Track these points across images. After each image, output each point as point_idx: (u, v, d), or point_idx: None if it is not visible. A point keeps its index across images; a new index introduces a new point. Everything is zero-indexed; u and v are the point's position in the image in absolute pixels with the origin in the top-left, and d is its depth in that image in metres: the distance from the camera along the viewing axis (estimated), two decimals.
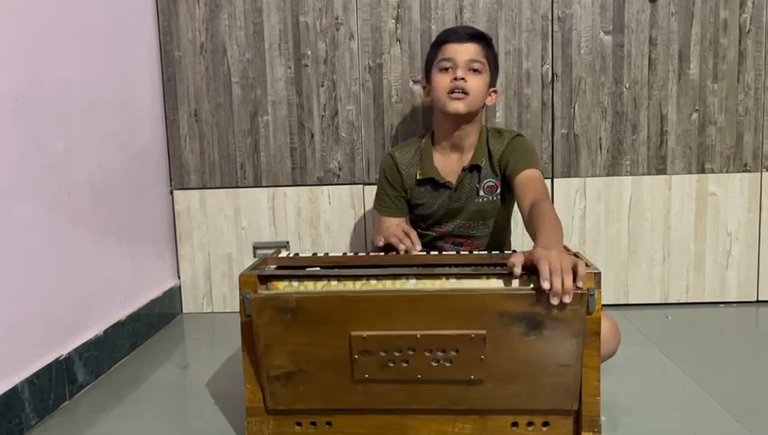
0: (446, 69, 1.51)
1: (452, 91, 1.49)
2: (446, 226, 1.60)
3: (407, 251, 1.35)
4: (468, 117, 1.52)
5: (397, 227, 1.44)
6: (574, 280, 1.02)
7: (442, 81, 1.51)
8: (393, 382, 1.09)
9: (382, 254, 1.39)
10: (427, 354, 1.07)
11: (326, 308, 1.07)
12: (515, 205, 1.53)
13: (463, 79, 1.49)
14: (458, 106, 1.49)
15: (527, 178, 1.45)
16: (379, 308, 1.06)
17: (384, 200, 1.63)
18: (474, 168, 1.55)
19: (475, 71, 1.51)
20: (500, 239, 1.63)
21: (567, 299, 1.01)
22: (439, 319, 1.06)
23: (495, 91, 1.60)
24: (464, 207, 1.57)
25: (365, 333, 1.07)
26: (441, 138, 1.59)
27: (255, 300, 1.08)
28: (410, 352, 1.07)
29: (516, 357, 1.06)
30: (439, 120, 1.59)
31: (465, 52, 1.51)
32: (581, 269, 1.03)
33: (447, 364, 1.07)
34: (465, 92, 1.49)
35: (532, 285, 1.05)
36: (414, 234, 1.41)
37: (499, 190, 1.56)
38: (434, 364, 1.07)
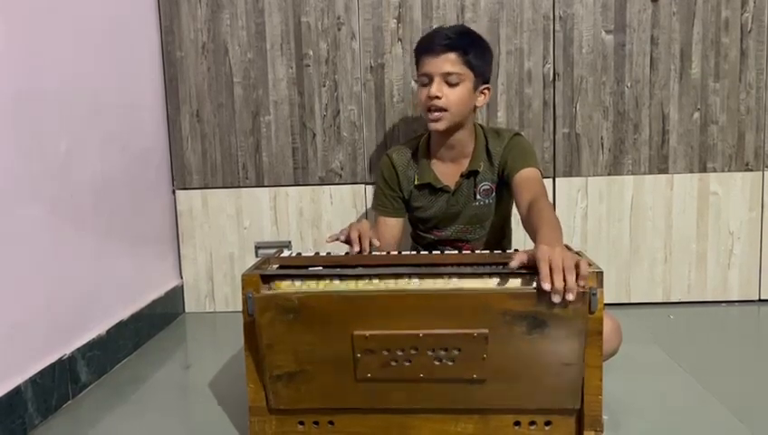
0: (425, 84, 1.46)
1: (429, 110, 1.46)
2: (445, 230, 1.59)
3: (360, 251, 1.30)
4: (455, 127, 1.49)
5: (363, 226, 1.35)
6: (576, 278, 1.01)
7: (421, 96, 1.47)
8: (395, 381, 1.10)
9: (384, 253, 1.38)
10: (430, 353, 1.07)
11: (328, 308, 1.08)
12: (513, 205, 1.52)
13: (437, 97, 1.43)
14: (437, 126, 1.46)
15: (525, 177, 1.44)
16: (382, 307, 1.06)
17: (381, 200, 1.62)
18: (471, 173, 1.54)
19: (452, 83, 1.44)
20: (497, 240, 1.62)
21: (570, 296, 1.00)
22: (442, 318, 1.06)
23: (488, 89, 1.53)
24: (462, 211, 1.56)
25: (367, 333, 1.07)
26: (436, 145, 1.57)
27: (258, 299, 1.09)
28: (413, 352, 1.07)
29: (519, 356, 1.06)
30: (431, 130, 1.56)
31: (439, 65, 1.43)
32: (584, 268, 1.02)
33: (450, 363, 1.07)
34: (442, 109, 1.44)
35: (534, 284, 1.05)
36: (376, 239, 1.33)
37: (494, 193, 1.55)
38: (436, 363, 1.07)
